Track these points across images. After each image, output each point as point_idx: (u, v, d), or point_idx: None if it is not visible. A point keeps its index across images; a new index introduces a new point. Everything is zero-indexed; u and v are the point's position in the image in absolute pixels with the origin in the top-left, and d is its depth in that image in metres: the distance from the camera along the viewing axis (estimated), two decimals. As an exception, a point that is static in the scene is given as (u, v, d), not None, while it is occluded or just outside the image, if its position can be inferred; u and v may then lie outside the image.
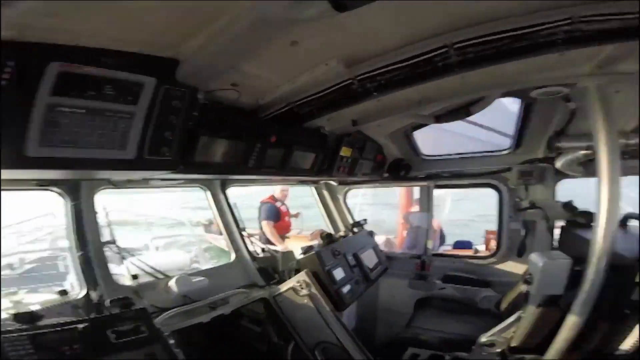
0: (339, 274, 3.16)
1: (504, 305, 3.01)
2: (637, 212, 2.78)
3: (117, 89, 1.42)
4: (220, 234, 9.58)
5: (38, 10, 1.09)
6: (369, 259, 3.78)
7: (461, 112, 2.84)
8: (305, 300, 2.90)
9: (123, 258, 2.55)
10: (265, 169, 2.44)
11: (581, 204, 3.22)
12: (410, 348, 3.20)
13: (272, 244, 5.21)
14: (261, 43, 1.54)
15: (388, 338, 3.82)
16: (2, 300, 2.85)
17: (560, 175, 3.46)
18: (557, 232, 3.37)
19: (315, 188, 4.51)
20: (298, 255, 3.29)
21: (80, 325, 1.62)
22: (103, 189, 2.42)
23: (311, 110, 2.31)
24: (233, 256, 3.25)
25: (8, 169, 1.34)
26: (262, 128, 2.32)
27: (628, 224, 2.78)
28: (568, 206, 3.19)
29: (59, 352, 1.54)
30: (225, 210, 3.26)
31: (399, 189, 7.83)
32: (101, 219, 2.66)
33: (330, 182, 4.40)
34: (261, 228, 5.60)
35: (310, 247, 3.29)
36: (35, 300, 2.63)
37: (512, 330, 2.45)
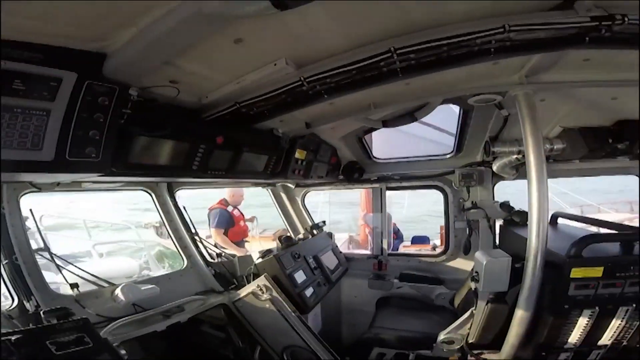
0: (300, 276, 3.16)
1: (457, 302, 3.18)
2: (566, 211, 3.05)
3: (29, 83, 1.28)
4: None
5: None
6: (329, 261, 3.81)
7: (407, 117, 2.95)
8: (267, 305, 2.86)
9: (58, 266, 2.37)
10: (212, 172, 2.35)
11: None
12: (376, 348, 3.24)
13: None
14: (199, 39, 1.46)
15: (354, 338, 3.84)
16: None
17: (497, 177, 3.72)
18: (497, 230, 3.60)
19: (272, 190, 4.45)
20: (256, 259, 3.22)
21: (13, 337, 1.48)
22: (27, 192, 2.21)
23: (261, 111, 2.26)
24: (185, 262, 3.11)
25: None
26: (206, 128, 2.23)
27: (558, 222, 3.05)
28: (505, 206, 3.43)
29: None
30: (174, 215, 3.10)
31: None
32: (30, 224, 2.46)
33: (287, 184, 4.36)
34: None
35: (268, 251, 3.24)
36: None
37: (467, 327, 2.53)
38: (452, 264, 4.04)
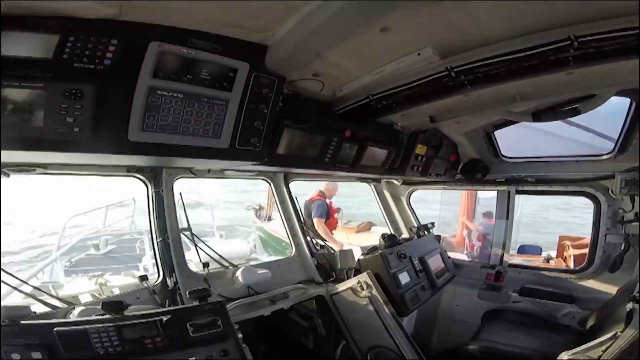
0: (404, 278, 3.01)
1: (590, 323, 2.75)
2: None
3: (213, 73, 1.39)
4: (269, 220, 9.72)
5: None
6: (436, 265, 3.56)
7: (568, 111, 2.48)
8: (364, 302, 2.79)
9: (196, 246, 2.57)
10: (340, 165, 2.36)
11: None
12: None
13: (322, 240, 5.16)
14: (350, 28, 1.44)
15: (444, 348, 3.61)
16: (88, 281, 3.14)
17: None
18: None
19: (375, 187, 4.33)
20: (358, 255, 3.18)
21: (164, 318, 1.59)
22: (182, 177, 2.46)
23: (390, 104, 2.17)
24: (293, 250, 3.23)
25: (112, 154, 1.39)
26: (337, 122, 2.23)
27: None
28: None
29: (142, 345, 1.52)
30: (288, 204, 3.24)
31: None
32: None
33: (392, 181, 4.19)
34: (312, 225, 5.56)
35: (373, 248, 3.17)
36: (116, 282, 2.75)
37: (602, 349, 2.11)
38: (589, 281, 3.39)
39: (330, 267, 3.22)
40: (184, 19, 1.31)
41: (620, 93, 2.46)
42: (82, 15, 1.19)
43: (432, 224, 4.02)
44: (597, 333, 2.22)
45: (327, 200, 5.69)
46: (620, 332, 2.03)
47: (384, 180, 4.19)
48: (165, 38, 1.29)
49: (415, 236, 3.83)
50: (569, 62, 1.61)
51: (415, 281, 3.11)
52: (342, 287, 2.89)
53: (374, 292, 2.78)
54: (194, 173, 2.43)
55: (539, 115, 2.60)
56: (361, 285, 2.79)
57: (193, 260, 2.59)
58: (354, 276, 2.91)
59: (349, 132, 2.23)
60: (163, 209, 2.33)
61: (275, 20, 1.39)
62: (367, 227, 8.67)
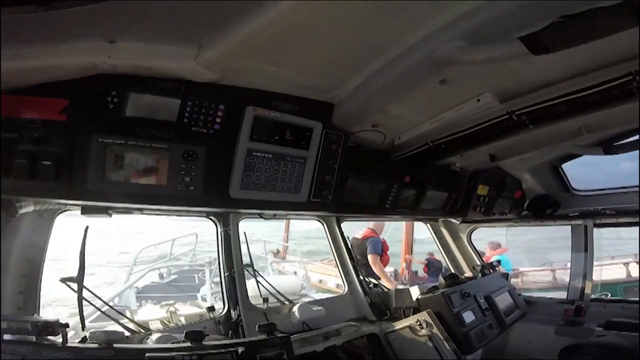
0: (468, 316, 2.86)
1: None
2: None
3: (295, 134, 1.54)
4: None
5: (234, 51, 1.21)
6: (504, 303, 3.32)
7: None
8: (424, 340, 2.66)
9: (257, 281, 2.63)
10: (399, 209, 2.39)
11: None
12: None
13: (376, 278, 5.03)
14: (411, 85, 1.54)
15: None
16: (159, 308, 3.22)
17: None
18: None
19: (431, 226, 4.22)
20: (416, 294, 3.07)
21: (239, 349, 1.64)
22: (248, 219, 2.63)
23: (448, 148, 2.20)
24: (346, 289, 3.22)
25: (215, 209, 1.55)
26: (395, 168, 2.30)
27: None
28: None
29: None
30: (340, 244, 3.27)
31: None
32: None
33: (450, 220, 4.06)
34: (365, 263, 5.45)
35: (434, 287, 3.08)
36: (182, 311, 2.88)
37: None
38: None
39: (384, 305, 3.17)
40: (269, 82, 1.45)
41: None
42: (190, 78, 1.32)
43: (498, 261, 3.77)
44: None
45: (381, 237, 5.65)
46: None
47: (441, 219, 4.07)
48: (256, 102, 1.44)
49: (480, 275, 3.62)
50: (634, 93, 1.55)
51: (481, 319, 2.93)
52: (398, 325, 2.79)
53: (435, 330, 2.66)
54: (263, 217, 2.59)
55: (610, 148, 2.44)
56: (420, 324, 2.68)
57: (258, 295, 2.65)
58: (412, 315, 2.81)
59: (409, 178, 2.28)
60: (230, 246, 2.48)
61: (341, 80, 1.52)
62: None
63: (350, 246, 3.34)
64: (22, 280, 1.74)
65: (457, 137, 2.05)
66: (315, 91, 1.56)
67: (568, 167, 3.33)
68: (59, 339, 1.44)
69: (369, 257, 5.46)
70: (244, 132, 1.43)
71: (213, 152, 1.42)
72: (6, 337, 1.40)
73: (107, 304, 2.23)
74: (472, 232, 4.14)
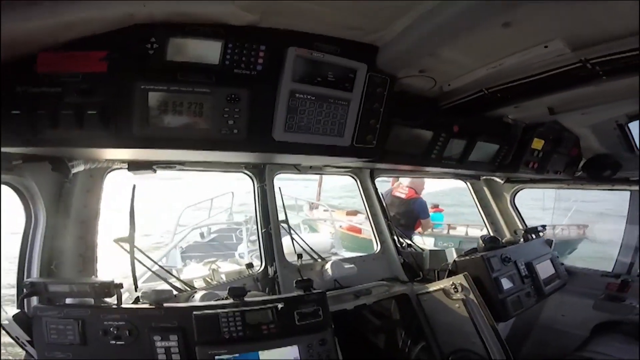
0: (506, 283, 2.82)
1: None
2: None
3: (338, 75, 1.49)
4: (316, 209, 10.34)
5: None
6: (545, 271, 3.23)
7: None
8: (457, 305, 2.67)
9: (292, 238, 2.66)
10: (446, 161, 2.33)
11: None
12: None
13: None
14: (468, 27, 1.41)
15: (538, 358, 3.37)
16: (202, 266, 3.40)
17: None
18: None
19: (472, 184, 4.05)
20: (452, 256, 3.04)
21: (279, 305, 1.66)
22: (283, 172, 2.63)
23: (505, 96, 2.06)
24: (378, 247, 3.20)
25: (260, 152, 1.59)
26: (443, 117, 2.20)
27: None
28: None
29: (259, 331, 1.58)
30: (374, 200, 3.22)
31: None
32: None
33: (493, 178, 3.89)
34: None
35: (473, 250, 3.03)
36: (223, 268, 2.96)
37: None
38: None
39: (417, 266, 3.16)
40: (310, 23, 1.40)
41: None
42: (228, 21, 1.28)
43: (544, 227, 3.63)
44: None
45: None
46: None
47: (484, 177, 3.91)
48: (298, 43, 1.40)
49: (522, 239, 3.52)
50: None
51: (519, 287, 2.89)
52: (432, 287, 2.81)
53: (470, 295, 2.64)
54: (298, 169, 2.60)
55: None
56: (455, 287, 2.68)
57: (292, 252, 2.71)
58: (447, 277, 2.81)
59: (457, 127, 2.19)
60: (266, 201, 2.50)
61: (387, 21, 1.41)
62: (354, 212, 10.70)
63: (383, 203, 3.30)
64: (82, 242, 1.82)
65: (516, 84, 1.90)
66: (359, 32, 1.48)
67: (634, 127, 2.96)
68: (114, 300, 1.52)
69: (423, 221, 5.40)
70: (287, 73, 1.41)
71: (256, 95, 1.41)
72: (68, 300, 1.51)
73: (157, 264, 2.33)
74: (516, 193, 3.96)
